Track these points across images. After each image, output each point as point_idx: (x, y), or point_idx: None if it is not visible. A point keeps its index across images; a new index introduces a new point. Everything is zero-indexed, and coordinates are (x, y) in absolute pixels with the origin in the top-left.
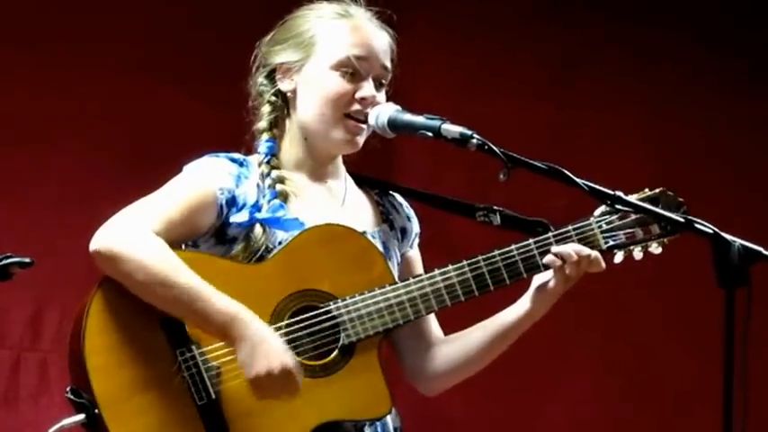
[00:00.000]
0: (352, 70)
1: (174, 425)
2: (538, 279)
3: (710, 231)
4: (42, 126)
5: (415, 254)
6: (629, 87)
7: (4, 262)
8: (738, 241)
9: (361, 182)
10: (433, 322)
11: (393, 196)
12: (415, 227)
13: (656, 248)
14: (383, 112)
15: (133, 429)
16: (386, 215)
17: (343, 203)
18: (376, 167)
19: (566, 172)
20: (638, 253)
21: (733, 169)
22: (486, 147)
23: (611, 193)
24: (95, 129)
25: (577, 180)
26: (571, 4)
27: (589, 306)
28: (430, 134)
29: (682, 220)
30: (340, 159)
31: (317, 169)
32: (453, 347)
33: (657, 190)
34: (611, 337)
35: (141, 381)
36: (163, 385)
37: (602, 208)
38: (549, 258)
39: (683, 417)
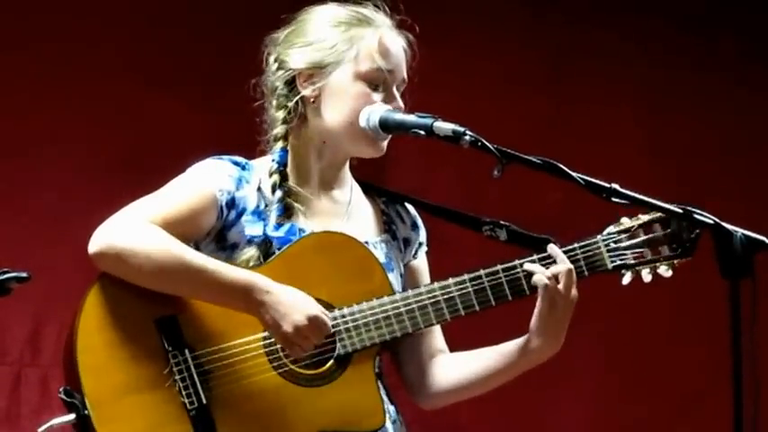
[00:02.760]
0: (380, 81)
1: (163, 428)
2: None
3: (711, 222)
4: (39, 138)
5: (419, 263)
6: (625, 80)
7: (1, 277)
8: (740, 231)
9: (368, 189)
10: (437, 336)
11: (401, 204)
12: (419, 236)
13: (665, 271)
14: (374, 112)
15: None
16: (389, 224)
17: (347, 213)
18: (368, 168)
19: (561, 166)
20: (646, 275)
21: (730, 160)
22: (480, 143)
23: (608, 185)
24: (93, 141)
25: (573, 174)
26: None
27: (592, 304)
28: (422, 132)
29: (679, 210)
30: (347, 165)
31: (327, 177)
32: (455, 368)
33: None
34: (616, 336)
35: (132, 382)
36: (154, 388)
37: (611, 227)
38: (536, 278)
39: (691, 413)
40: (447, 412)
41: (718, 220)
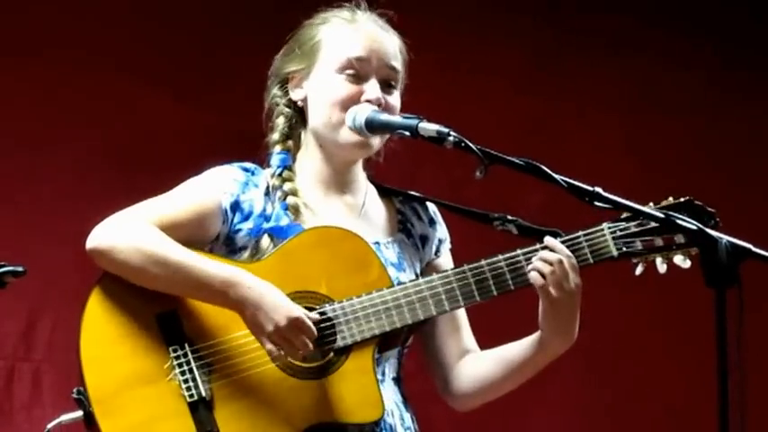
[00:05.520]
0: (356, 72)
1: (164, 422)
2: None
3: (694, 228)
4: (34, 133)
5: (442, 261)
6: (610, 81)
7: None
8: (725, 238)
9: (385, 192)
10: (465, 335)
11: (418, 203)
12: (438, 233)
13: (682, 261)
14: (360, 112)
15: (123, 424)
16: (403, 224)
17: (359, 216)
18: None
19: (543, 168)
20: (660, 264)
21: (715, 163)
22: (463, 144)
23: (591, 189)
24: (88, 136)
25: (555, 176)
26: None
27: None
28: (407, 133)
29: (661, 215)
30: (359, 168)
31: (333, 181)
32: (477, 369)
33: (683, 199)
34: (599, 341)
35: (134, 376)
36: (155, 382)
37: (623, 215)
38: (530, 274)
39: (677, 424)
40: (425, 416)
41: (702, 227)
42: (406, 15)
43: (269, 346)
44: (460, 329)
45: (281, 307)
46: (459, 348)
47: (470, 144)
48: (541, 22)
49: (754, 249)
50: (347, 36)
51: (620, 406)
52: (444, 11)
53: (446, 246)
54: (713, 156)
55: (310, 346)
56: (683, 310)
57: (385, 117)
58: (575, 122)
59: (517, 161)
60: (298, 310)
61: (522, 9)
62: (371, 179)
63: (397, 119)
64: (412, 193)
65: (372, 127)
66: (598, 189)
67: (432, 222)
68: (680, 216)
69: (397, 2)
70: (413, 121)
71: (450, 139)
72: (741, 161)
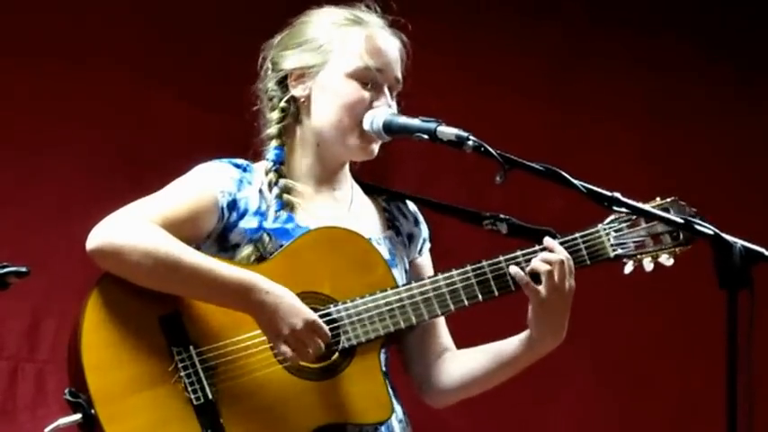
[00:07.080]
0: (370, 80)
1: (170, 425)
2: None
3: (711, 232)
4: (37, 134)
5: (424, 260)
6: (627, 89)
7: (1, 271)
8: (739, 242)
9: (368, 189)
10: (443, 334)
11: (402, 201)
12: (422, 232)
13: (667, 260)
14: (378, 115)
15: (128, 429)
16: (392, 221)
17: (348, 211)
18: (370, 171)
19: (563, 174)
20: (648, 264)
21: (730, 171)
22: (483, 149)
23: (609, 194)
24: (93, 137)
25: (575, 182)
26: (568, 5)
27: (587, 309)
28: (426, 137)
29: (680, 221)
30: (347, 167)
31: (325, 177)
32: (462, 365)
33: (669, 199)
34: (612, 341)
35: (138, 380)
36: (159, 385)
37: (612, 216)
38: (517, 272)
39: (686, 425)
40: (439, 416)
41: (717, 231)
42: (421, 22)
43: (283, 347)
44: (439, 328)
45: (297, 310)
46: (438, 346)
47: (490, 149)
48: (556, 32)
49: (766, 253)
50: (363, 42)
51: (631, 408)
52: (460, 19)
53: (427, 245)
54: (728, 164)
55: (323, 347)
56: (692, 313)
57: (403, 120)
58: (589, 131)
59: (537, 166)
60: (312, 314)
61: (536, 18)
62: (354, 177)
63: (415, 122)
64: (393, 190)
65: (391, 130)
66: (617, 194)
67: (416, 221)
68: (696, 221)
69: (412, 8)
70: (431, 125)
71: (470, 143)
72: (755, 169)
